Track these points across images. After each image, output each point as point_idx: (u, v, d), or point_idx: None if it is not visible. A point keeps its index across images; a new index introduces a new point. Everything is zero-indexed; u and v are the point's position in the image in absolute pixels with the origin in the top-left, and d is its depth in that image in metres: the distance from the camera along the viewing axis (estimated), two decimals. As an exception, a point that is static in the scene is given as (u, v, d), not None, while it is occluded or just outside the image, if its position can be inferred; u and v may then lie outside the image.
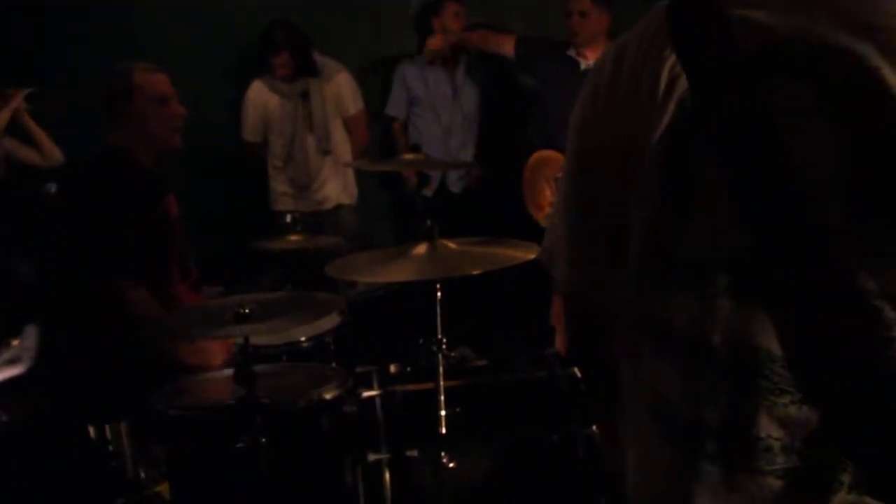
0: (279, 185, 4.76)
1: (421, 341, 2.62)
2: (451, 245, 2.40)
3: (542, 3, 5.03)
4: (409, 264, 2.26)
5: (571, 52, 4.31)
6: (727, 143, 0.86)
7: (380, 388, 2.68)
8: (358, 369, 2.82)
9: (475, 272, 2.19)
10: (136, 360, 2.51)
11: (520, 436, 2.56)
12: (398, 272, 2.21)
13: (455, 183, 4.89)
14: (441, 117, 4.89)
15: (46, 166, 3.91)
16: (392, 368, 2.91)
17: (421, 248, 2.35)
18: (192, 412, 2.07)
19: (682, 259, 0.90)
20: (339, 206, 4.74)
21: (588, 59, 4.22)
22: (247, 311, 1.87)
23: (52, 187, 3.67)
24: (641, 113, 0.93)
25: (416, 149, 3.42)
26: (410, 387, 2.68)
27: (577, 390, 2.57)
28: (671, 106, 0.91)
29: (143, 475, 2.50)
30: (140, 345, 2.50)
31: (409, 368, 2.93)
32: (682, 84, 0.90)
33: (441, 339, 2.42)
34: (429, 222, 2.42)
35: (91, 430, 2.54)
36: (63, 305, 2.63)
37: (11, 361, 3.25)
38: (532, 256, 2.31)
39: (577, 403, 2.56)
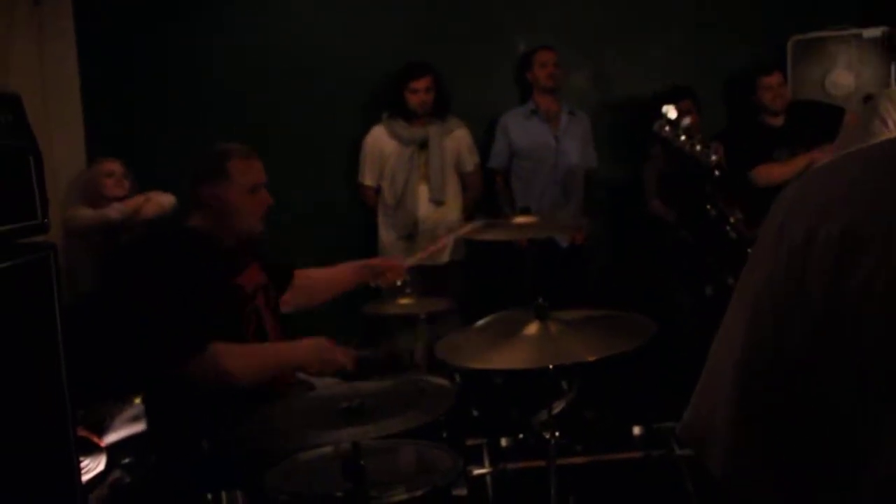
0: (387, 236, 4.78)
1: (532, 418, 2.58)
2: (563, 324, 2.35)
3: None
4: (521, 348, 2.22)
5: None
6: None
7: (491, 465, 2.66)
8: (469, 442, 2.80)
9: (590, 359, 2.14)
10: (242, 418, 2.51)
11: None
12: (510, 358, 2.17)
13: (562, 237, 4.84)
14: (544, 169, 4.84)
15: (170, 212, 4.19)
16: (503, 442, 2.89)
17: (532, 328, 2.31)
18: (301, 501, 2.06)
19: None
20: (448, 263, 4.71)
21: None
22: (355, 406, 1.85)
23: None
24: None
25: (525, 211, 3.38)
26: (522, 464, 2.65)
27: (696, 471, 2.49)
28: None
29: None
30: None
31: (520, 436, 2.89)
32: None
33: (551, 421, 2.38)
34: (540, 300, 2.38)
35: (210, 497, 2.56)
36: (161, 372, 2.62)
37: (135, 418, 3.34)
38: (648, 336, 2.24)
39: (695, 485, 2.47)
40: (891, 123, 2.52)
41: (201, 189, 2.63)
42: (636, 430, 2.89)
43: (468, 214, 4.78)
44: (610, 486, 2.63)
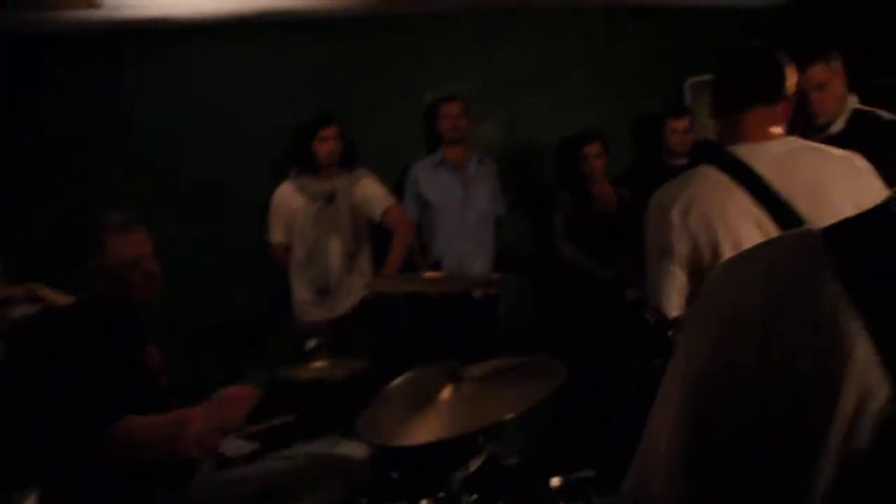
0: (300, 292, 4.71)
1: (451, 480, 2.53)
2: (476, 383, 2.34)
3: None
4: (438, 415, 2.19)
5: None
6: None
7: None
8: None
9: (508, 417, 2.12)
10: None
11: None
12: (428, 429, 2.14)
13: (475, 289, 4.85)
14: (454, 218, 4.86)
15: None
16: (424, 504, 2.84)
17: (446, 392, 2.29)
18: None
19: None
20: (359, 315, 4.66)
21: None
22: (268, 488, 1.80)
23: None
24: (812, 406, 0.79)
25: (437, 266, 3.39)
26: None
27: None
28: (865, 419, 0.76)
29: None
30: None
31: (440, 496, 2.85)
32: (882, 396, 0.75)
33: (469, 480, 2.35)
34: (451, 362, 2.37)
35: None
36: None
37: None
38: (561, 379, 2.25)
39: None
40: None
41: (89, 263, 2.56)
42: (555, 482, 2.88)
43: (405, 256, 4.71)
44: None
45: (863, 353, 0.76)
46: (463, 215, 4.85)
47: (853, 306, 0.77)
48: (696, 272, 2.32)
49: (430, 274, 3.26)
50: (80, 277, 2.62)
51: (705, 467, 0.88)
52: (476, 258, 4.85)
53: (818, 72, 3.41)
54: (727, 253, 2.21)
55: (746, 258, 0.94)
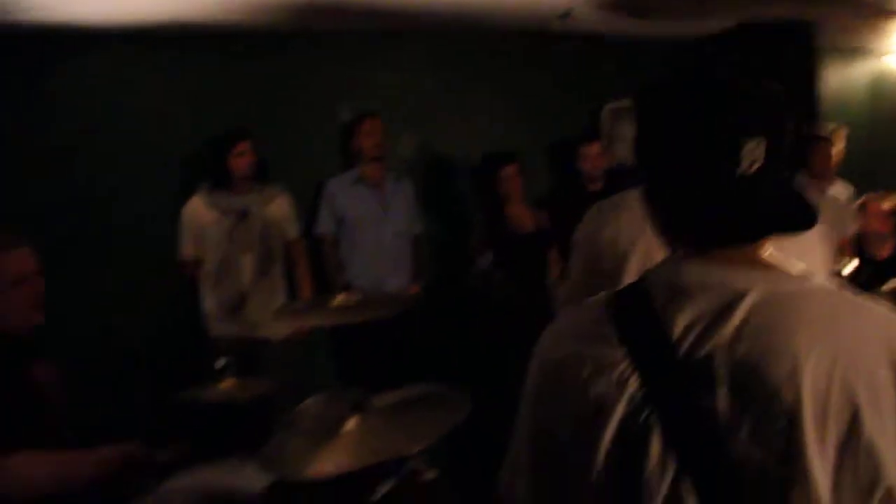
0: (211, 307, 4.63)
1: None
2: (382, 414, 2.32)
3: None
4: (344, 447, 2.17)
5: None
6: (677, 441, 1.06)
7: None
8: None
9: (413, 451, 2.12)
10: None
11: None
12: (334, 461, 2.11)
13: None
14: (371, 236, 4.84)
15: None
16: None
17: (352, 423, 2.27)
18: None
19: None
20: (273, 340, 4.58)
21: None
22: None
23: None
24: (594, 405, 1.11)
25: (347, 287, 3.36)
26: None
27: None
28: (621, 404, 1.09)
29: None
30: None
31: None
32: (633, 384, 1.10)
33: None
34: (359, 396, 2.36)
35: None
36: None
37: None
38: (465, 413, 2.25)
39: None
40: None
41: None
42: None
43: (305, 287, 4.72)
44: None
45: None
46: (380, 233, 4.83)
47: (625, 350, 1.12)
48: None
49: (342, 298, 3.23)
50: None
51: (541, 473, 1.20)
52: (394, 276, 4.84)
53: None
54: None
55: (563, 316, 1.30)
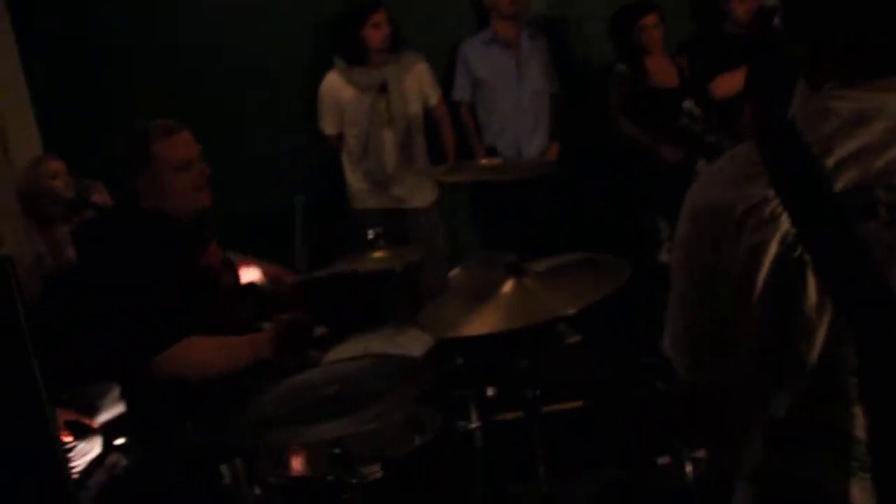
0: (355, 181, 4.69)
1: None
2: (538, 278, 2.33)
3: None
4: (499, 308, 2.20)
5: None
6: (830, 276, 1.04)
7: (479, 419, 2.67)
8: (455, 394, 2.81)
9: (570, 312, 2.12)
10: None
11: (624, 460, 2.52)
12: (489, 321, 2.15)
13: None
14: (508, 97, 4.75)
15: None
16: (489, 392, 2.90)
17: (508, 286, 2.29)
18: (290, 484, 2.06)
19: (787, 360, 1.09)
20: (418, 209, 4.66)
21: None
22: (335, 394, 1.84)
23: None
24: (747, 248, 1.09)
25: (491, 152, 3.35)
26: (511, 415, 2.66)
27: (682, 408, 2.51)
28: (774, 243, 1.07)
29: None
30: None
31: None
32: (785, 223, 1.06)
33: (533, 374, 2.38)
34: (512, 256, 2.37)
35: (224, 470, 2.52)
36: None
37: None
38: (623, 279, 2.23)
39: (682, 423, 2.49)
40: None
41: (133, 174, 2.55)
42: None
43: (450, 152, 4.71)
44: (597, 430, 2.65)
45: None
46: (517, 93, 4.74)
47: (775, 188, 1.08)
48: None
49: (486, 161, 3.23)
50: (126, 187, 2.63)
51: (699, 339, 1.22)
52: (533, 136, 4.78)
53: None
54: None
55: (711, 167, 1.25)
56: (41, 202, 3.85)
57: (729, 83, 4.37)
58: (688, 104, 3.63)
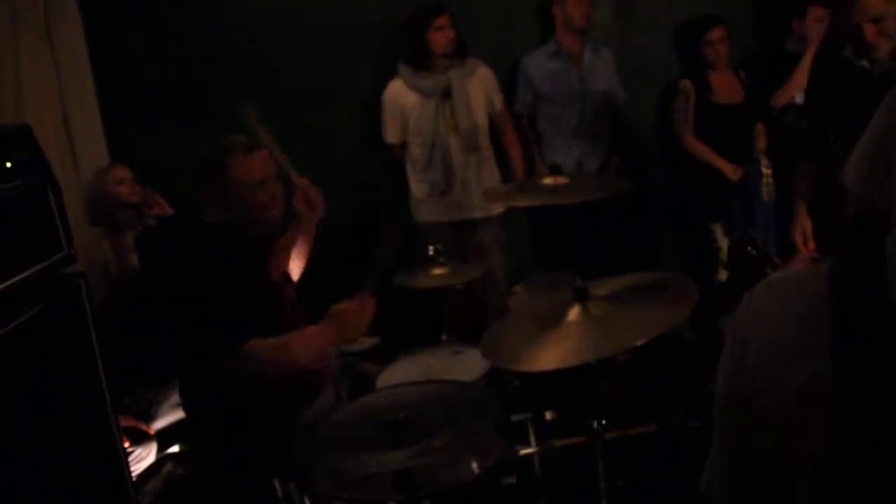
0: (419, 192, 4.61)
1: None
2: (604, 304, 2.28)
3: None
4: (566, 338, 2.16)
5: None
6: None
7: (537, 444, 2.64)
8: (513, 417, 2.79)
9: (639, 343, 2.07)
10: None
11: (688, 486, 2.46)
12: (555, 354, 2.10)
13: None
14: (570, 112, 4.70)
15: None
16: (548, 415, 2.86)
17: (573, 314, 2.25)
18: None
19: None
20: (484, 219, 4.59)
21: None
22: (400, 419, 1.82)
23: None
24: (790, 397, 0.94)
25: (555, 170, 3.31)
26: (568, 441, 2.62)
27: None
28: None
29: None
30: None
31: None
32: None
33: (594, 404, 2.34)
34: (578, 280, 2.32)
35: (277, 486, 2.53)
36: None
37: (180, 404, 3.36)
38: (692, 302, 2.18)
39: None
40: None
41: (206, 186, 2.58)
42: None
43: (515, 157, 4.66)
44: (651, 458, 2.60)
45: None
46: (579, 107, 4.69)
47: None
48: None
49: (550, 180, 3.18)
50: (196, 196, 2.65)
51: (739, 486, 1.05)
52: (594, 151, 4.73)
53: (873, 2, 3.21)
54: None
55: (772, 286, 1.05)
56: (109, 209, 3.92)
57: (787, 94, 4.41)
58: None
